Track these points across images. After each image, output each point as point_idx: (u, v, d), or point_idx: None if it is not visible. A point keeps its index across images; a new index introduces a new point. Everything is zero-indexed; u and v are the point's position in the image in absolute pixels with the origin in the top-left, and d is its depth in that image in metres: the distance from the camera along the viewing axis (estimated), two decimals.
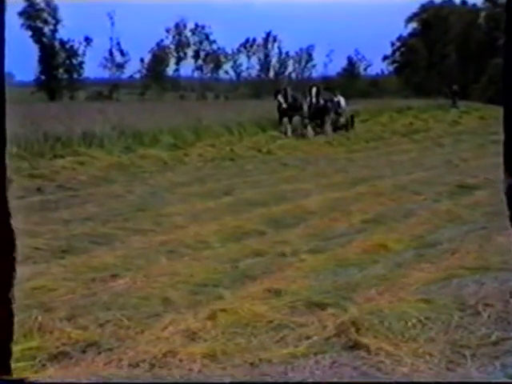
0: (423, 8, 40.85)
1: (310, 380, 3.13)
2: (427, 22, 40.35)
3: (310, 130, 19.26)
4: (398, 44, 41.61)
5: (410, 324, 3.66)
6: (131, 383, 3.18)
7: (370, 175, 11.92)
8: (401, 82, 40.04)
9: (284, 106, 19.11)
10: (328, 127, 19.76)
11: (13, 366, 3.38)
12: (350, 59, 41.88)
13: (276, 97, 19.68)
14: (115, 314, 4.17)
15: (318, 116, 19.87)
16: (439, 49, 39.40)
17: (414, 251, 6.12)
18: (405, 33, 41.50)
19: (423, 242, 6.63)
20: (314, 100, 19.84)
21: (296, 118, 19.43)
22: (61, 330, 3.81)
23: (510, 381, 3.09)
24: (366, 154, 16.27)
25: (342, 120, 20.48)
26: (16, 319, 3.89)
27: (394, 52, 41.67)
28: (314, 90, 20.25)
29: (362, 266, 5.58)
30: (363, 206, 8.87)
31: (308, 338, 3.61)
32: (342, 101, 20.89)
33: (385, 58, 42.11)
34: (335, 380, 3.12)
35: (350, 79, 39.68)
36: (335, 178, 11.80)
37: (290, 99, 19.33)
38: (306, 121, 19.46)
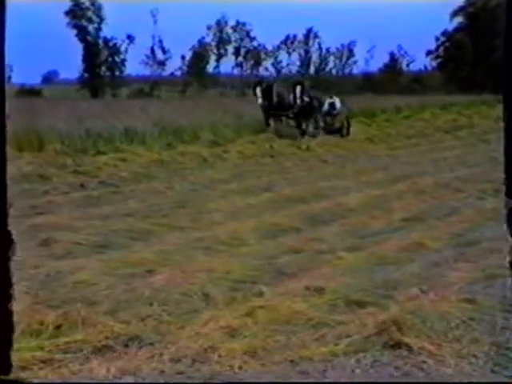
0: (469, 1, 40.04)
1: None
2: (474, 16, 39.53)
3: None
4: (442, 39, 40.90)
5: (452, 324, 3.61)
6: (133, 383, 3.22)
7: (411, 172, 11.77)
8: (444, 77, 39.38)
9: (260, 101, 17.32)
10: (311, 128, 17.87)
11: (60, 357, 3.46)
12: (392, 55, 41.40)
13: (254, 90, 17.88)
14: (156, 309, 4.22)
15: (302, 116, 17.92)
16: (486, 43, 38.56)
17: (454, 250, 6.02)
18: (450, 27, 40.78)
19: (463, 240, 6.53)
20: (298, 99, 17.80)
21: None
22: (103, 324, 3.87)
23: (510, 381, 3.02)
24: (408, 151, 16.05)
25: (337, 123, 18.75)
26: (60, 312, 3.98)
27: (437, 47, 41.01)
28: (298, 87, 18.21)
29: (399, 264, 5.52)
30: (404, 204, 8.77)
31: (348, 336, 3.59)
32: (338, 102, 19.10)
33: (428, 53, 41.48)
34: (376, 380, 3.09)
35: (392, 75, 39.22)
36: (375, 175, 11.68)
37: (275, 98, 17.49)
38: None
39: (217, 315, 3.97)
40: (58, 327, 3.84)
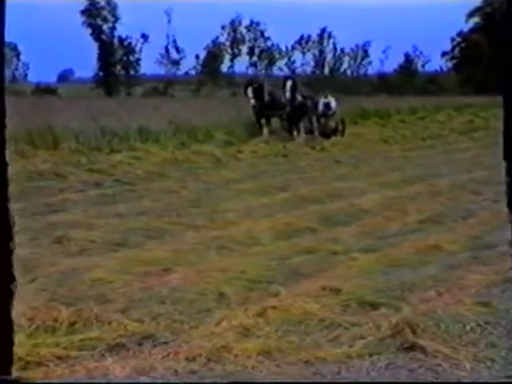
0: (486, 2, 39.72)
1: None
2: (491, 16, 39.22)
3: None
4: (458, 39, 40.62)
5: (468, 327, 3.58)
6: (133, 383, 3.22)
7: (426, 174, 11.71)
8: (460, 78, 39.12)
9: (252, 102, 16.44)
10: (302, 130, 16.88)
11: (75, 354, 3.48)
12: (407, 55, 41.21)
13: (246, 91, 16.92)
14: (170, 308, 4.23)
15: (294, 116, 16.82)
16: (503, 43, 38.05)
17: (470, 252, 5.97)
18: (466, 28, 40.50)
19: (480, 243, 6.47)
20: (287, 92, 16.56)
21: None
22: (118, 322, 3.89)
23: (510, 381, 3.00)
24: (423, 153, 15.97)
25: (332, 124, 17.92)
26: (75, 309, 4.01)
27: (453, 48, 40.73)
28: (288, 83, 16.95)
29: (414, 266, 5.50)
30: (419, 206, 8.72)
31: (362, 337, 3.57)
32: (333, 102, 18.13)
33: (443, 54, 41.24)
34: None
35: (407, 76, 39.05)
36: (390, 176, 11.63)
37: (266, 97, 16.49)
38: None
39: (231, 315, 3.97)
40: (72, 324, 3.86)
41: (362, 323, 3.85)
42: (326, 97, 18.28)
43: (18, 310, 3.89)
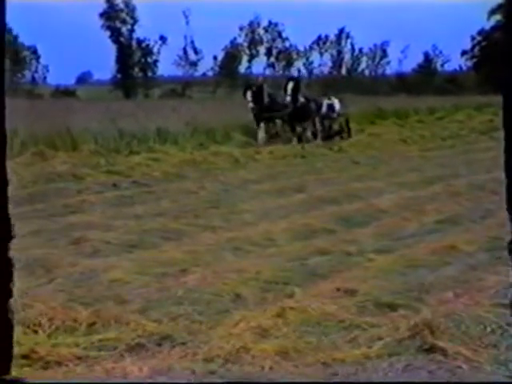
0: None
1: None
2: None
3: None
4: (478, 38, 40.19)
5: (488, 329, 3.54)
6: (133, 383, 3.23)
7: (445, 174, 11.61)
8: (480, 77, 38.74)
9: (251, 105, 15.99)
10: (309, 134, 16.37)
11: (94, 354, 3.51)
12: (426, 55, 40.91)
13: (244, 95, 16.46)
14: (187, 308, 4.24)
15: (296, 119, 16.26)
16: None
17: (490, 253, 5.91)
18: (487, 26, 40.05)
19: (500, 244, 6.39)
20: (288, 96, 15.98)
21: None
22: (136, 323, 3.91)
23: (510, 381, 2.95)
24: (442, 153, 15.84)
25: (336, 126, 17.38)
26: (95, 309, 4.04)
27: (473, 46, 40.33)
28: (289, 85, 16.30)
29: (433, 267, 5.46)
30: (438, 206, 8.66)
31: (380, 339, 3.55)
32: (337, 104, 17.52)
33: (463, 52, 40.87)
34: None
35: (426, 76, 38.76)
36: (409, 176, 11.56)
37: (266, 99, 16.04)
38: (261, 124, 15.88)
39: (248, 316, 3.97)
40: (91, 325, 3.89)
41: (381, 324, 3.83)
42: (329, 98, 17.81)
43: (39, 310, 3.93)
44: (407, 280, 4.96)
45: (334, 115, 17.35)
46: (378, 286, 4.75)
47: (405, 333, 3.56)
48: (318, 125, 16.96)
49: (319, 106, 17.13)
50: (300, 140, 16.19)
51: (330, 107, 17.40)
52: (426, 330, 3.48)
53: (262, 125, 16.18)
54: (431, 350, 3.34)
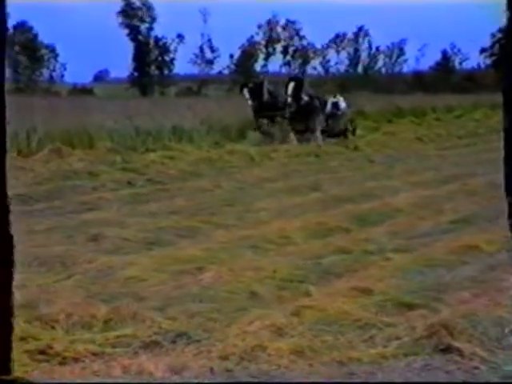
0: None
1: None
2: None
3: (292, 136, 15.60)
4: (498, 35, 39.74)
5: (507, 330, 3.50)
6: (132, 383, 3.24)
7: (462, 173, 11.52)
8: (499, 75, 38.26)
9: (250, 102, 15.55)
10: (318, 133, 15.94)
11: (110, 351, 3.53)
12: (444, 53, 40.55)
13: (241, 92, 16.14)
14: (203, 306, 4.25)
15: (299, 118, 15.93)
16: None
17: (507, 253, 5.85)
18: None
19: None
20: (290, 97, 15.67)
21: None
22: (152, 320, 3.92)
23: (509, 381, 2.92)
24: (459, 151, 15.72)
25: (340, 125, 16.95)
26: (111, 306, 4.06)
27: (493, 44, 39.91)
28: (291, 84, 15.98)
29: (450, 266, 5.41)
30: (454, 205, 8.59)
31: (397, 338, 3.53)
32: (342, 102, 17.20)
33: (482, 50, 40.48)
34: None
35: (444, 74, 38.41)
36: (425, 175, 11.49)
37: (266, 96, 15.62)
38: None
39: (264, 314, 3.96)
40: (108, 321, 3.90)
41: (397, 324, 3.81)
42: (334, 96, 17.45)
43: (57, 306, 3.96)
44: (425, 279, 4.93)
45: (339, 113, 17.05)
46: (395, 285, 4.72)
47: (422, 333, 3.54)
48: (322, 122, 16.56)
49: (324, 104, 16.82)
50: (301, 139, 15.92)
51: (335, 105, 17.10)
52: (443, 331, 3.45)
53: (261, 121, 15.80)
54: (448, 350, 3.32)
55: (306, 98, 16.11)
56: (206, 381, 3.20)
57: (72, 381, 3.24)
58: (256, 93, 15.73)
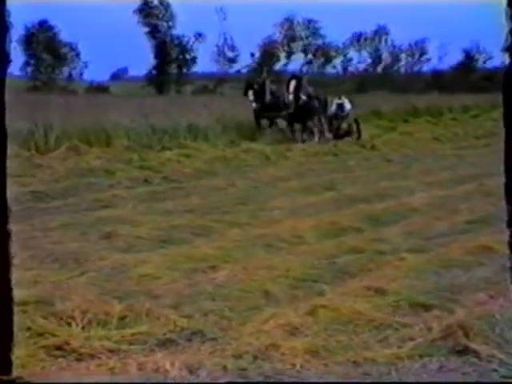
0: None
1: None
2: None
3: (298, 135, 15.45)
4: None
5: None
6: (131, 383, 3.23)
7: (479, 173, 11.42)
8: None
9: (254, 105, 15.29)
10: (316, 132, 15.69)
11: (126, 348, 3.53)
12: (466, 52, 40.06)
13: (246, 93, 15.85)
14: (218, 304, 4.25)
15: (297, 118, 15.62)
16: None
17: None
18: None
19: None
20: (290, 94, 15.34)
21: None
22: (167, 317, 3.93)
23: (509, 381, 2.87)
24: (476, 151, 15.60)
25: (345, 126, 16.70)
26: (126, 304, 4.07)
27: None
28: (292, 82, 15.70)
29: (466, 267, 5.37)
30: (470, 206, 8.52)
31: (412, 339, 3.51)
32: (347, 104, 16.97)
33: (506, 49, 39.91)
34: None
35: (464, 73, 37.94)
36: (441, 175, 11.42)
37: (268, 96, 15.42)
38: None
39: (278, 313, 3.96)
40: (122, 318, 3.92)
41: (412, 324, 3.78)
42: (339, 98, 17.18)
43: (72, 303, 3.98)
44: (440, 280, 4.89)
45: (344, 115, 16.77)
46: (410, 285, 4.69)
47: (438, 333, 3.51)
48: (324, 123, 16.24)
49: (324, 104, 16.51)
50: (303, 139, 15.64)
51: (340, 107, 16.87)
52: (460, 332, 3.42)
53: (264, 122, 15.53)
54: (464, 351, 3.28)
55: (304, 98, 15.83)
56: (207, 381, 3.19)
57: (72, 381, 3.25)
58: (259, 94, 15.50)
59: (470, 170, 12.07)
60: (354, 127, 16.67)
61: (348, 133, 16.64)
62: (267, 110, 15.47)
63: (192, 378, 3.22)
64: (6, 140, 2.64)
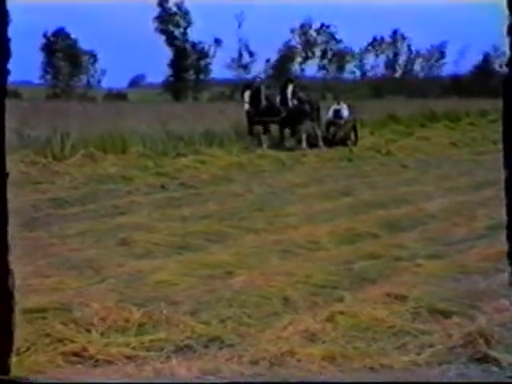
0: None
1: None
2: None
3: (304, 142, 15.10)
4: None
5: None
6: (132, 383, 3.22)
7: (497, 178, 11.27)
8: None
9: (246, 107, 15.04)
10: (303, 138, 15.23)
11: (144, 354, 3.54)
12: (485, 55, 39.72)
13: (242, 95, 15.55)
14: (236, 310, 4.25)
15: (287, 123, 15.37)
16: None
17: None
18: None
19: None
20: (290, 100, 15.27)
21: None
22: (185, 324, 3.93)
23: (510, 381, 2.82)
24: (494, 156, 15.43)
25: (341, 133, 16.08)
26: (144, 311, 4.09)
27: None
28: (290, 87, 15.59)
29: (485, 273, 5.32)
30: (488, 211, 8.44)
31: (431, 346, 3.47)
32: (345, 110, 16.37)
33: None
34: None
35: (483, 77, 37.58)
36: (459, 180, 11.33)
37: (263, 102, 15.19)
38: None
39: (297, 319, 3.95)
40: (141, 325, 3.93)
41: (432, 331, 3.75)
42: (338, 103, 16.60)
43: (91, 310, 4.00)
44: (459, 286, 4.84)
45: (341, 122, 16.15)
46: (429, 291, 4.65)
47: (457, 341, 3.47)
48: (317, 129, 15.72)
49: (317, 109, 15.91)
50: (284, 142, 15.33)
51: (337, 113, 16.29)
52: (480, 339, 3.38)
53: (259, 128, 15.23)
54: (484, 359, 3.24)
55: (295, 102, 15.48)
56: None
57: (72, 381, 3.25)
58: (255, 98, 15.25)
59: (487, 175, 11.96)
60: (352, 135, 16.11)
61: (344, 140, 15.93)
62: (262, 115, 15.17)
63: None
64: (4, 141, 2.66)
